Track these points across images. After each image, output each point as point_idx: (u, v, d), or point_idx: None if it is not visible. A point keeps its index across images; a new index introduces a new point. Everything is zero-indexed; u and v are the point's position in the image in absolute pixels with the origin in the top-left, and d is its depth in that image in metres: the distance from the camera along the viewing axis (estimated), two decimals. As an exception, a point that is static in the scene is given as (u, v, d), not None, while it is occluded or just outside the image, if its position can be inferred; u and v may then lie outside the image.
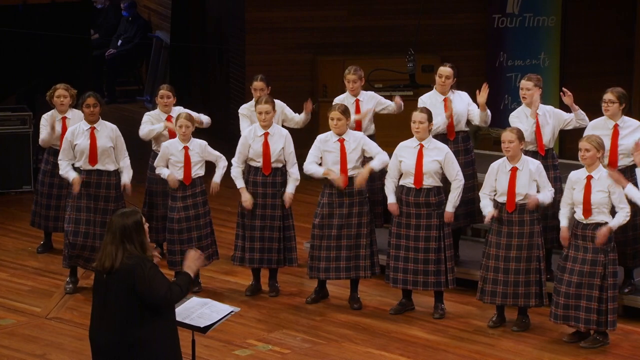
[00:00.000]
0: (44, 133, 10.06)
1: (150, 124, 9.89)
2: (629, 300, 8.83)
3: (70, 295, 9.48)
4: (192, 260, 6.43)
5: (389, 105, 9.74)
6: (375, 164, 8.93)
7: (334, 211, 8.99)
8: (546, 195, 8.50)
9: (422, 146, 8.78)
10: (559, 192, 8.81)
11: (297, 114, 9.91)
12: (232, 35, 13.86)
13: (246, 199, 9.18)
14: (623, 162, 8.67)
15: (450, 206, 8.77)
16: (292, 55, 12.99)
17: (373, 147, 9.01)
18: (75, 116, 9.97)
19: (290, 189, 9.22)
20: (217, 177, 9.37)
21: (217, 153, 9.40)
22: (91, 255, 9.13)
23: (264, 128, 9.21)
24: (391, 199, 8.87)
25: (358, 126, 9.50)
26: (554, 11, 13.29)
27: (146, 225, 6.24)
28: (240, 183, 9.23)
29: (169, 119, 9.89)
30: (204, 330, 6.76)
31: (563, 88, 9.18)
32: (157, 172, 9.41)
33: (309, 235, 9.28)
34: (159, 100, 9.96)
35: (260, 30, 13.07)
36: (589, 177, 8.21)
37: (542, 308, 8.77)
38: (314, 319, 8.98)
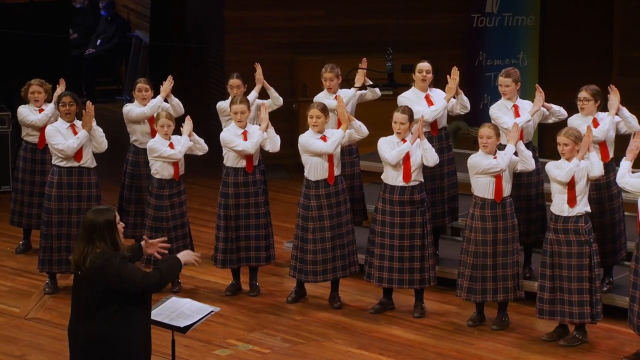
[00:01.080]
0: (35, 115, 10.01)
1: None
2: (608, 299, 8.87)
3: (50, 296, 9.44)
4: (186, 253, 6.43)
5: (367, 93, 9.76)
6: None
7: (323, 213, 8.99)
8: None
9: (405, 142, 8.78)
10: (539, 185, 8.84)
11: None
12: (211, 34, 13.85)
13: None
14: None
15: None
16: (271, 54, 12.98)
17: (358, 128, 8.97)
18: (50, 109, 9.97)
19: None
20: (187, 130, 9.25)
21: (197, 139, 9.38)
22: (68, 256, 9.09)
23: (240, 128, 9.21)
24: (394, 147, 8.75)
25: (339, 123, 9.49)
26: (533, 11, 13.34)
27: (120, 225, 6.23)
28: (264, 125, 9.13)
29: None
30: (184, 330, 6.75)
31: (537, 85, 9.23)
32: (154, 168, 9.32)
33: (288, 235, 9.28)
34: (137, 93, 9.93)
35: (240, 30, 13.06)
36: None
37: (521, 307, 8.80)
38: (294, 319, 8.98)
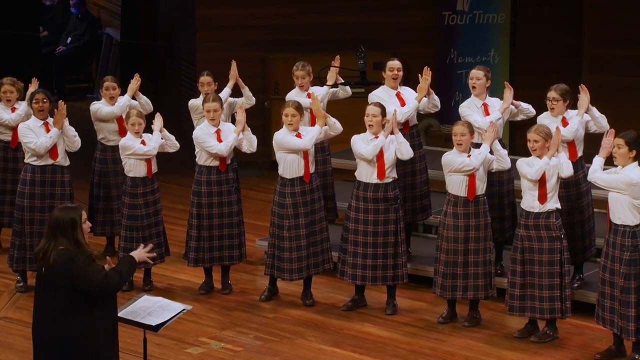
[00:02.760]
0: (8, 114, 9.91)
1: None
2: (579, 295, 8.92)
3: (21, 295, 9.39)
4: (140, 252, 6.43)
5: (338, 91, 9.76)
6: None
7: (299, 211, 8.98)
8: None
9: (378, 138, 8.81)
10: (510, 183, 8.87)
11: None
12: (182, 32, 13.81)
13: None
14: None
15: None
16: (243, 52, 12.96)
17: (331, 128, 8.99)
18: (23, 108, 9.91)
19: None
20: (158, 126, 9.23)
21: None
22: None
23: (214, 126, 9.19)
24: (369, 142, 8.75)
25: (312, 121, 9.50)
26: (504, 8, 13.40)
27: (87, 225, 6.21)
28: (239, 128, 9.08)
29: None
30: (156, 328, 6.74)
31: (506, 82, 9.27)
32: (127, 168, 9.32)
33: (260, 233, 9.28)
34: (104, 92, 9.90)
35: (211, 28, 13.03)
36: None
37: (493, 304, 8.84)
38: (266, 316, 8.97)
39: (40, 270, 6.18)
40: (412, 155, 8.86)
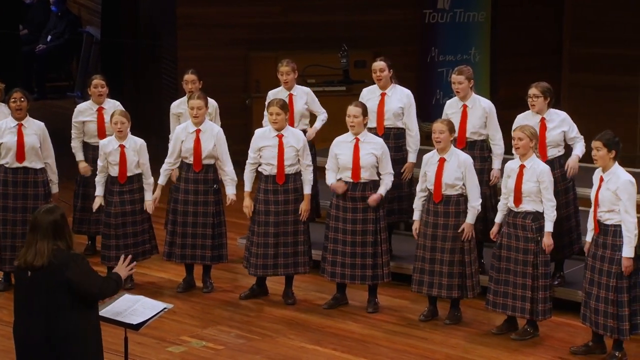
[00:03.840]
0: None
1: (79, 141, 9.86)
2: (560, 293, 8.95)
3: (0, 294, 9.35)
4: (122, 267, 6.46)
5: (320, 115, 9.71)
6: (383, 190, 8.85)
7: (269, 208, 8.98)
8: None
9: (357, 140, 8.82)
10: (484, 185, 8.90)
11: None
12: (164, 30, 13.78)
13: (156, 196, 9.18)
14: (551, 152, 8.80)
15: (382, 189, 8.81)
16: (225, 51, 12.96)
17: (305, 157, 8.98)
18: (2, 110, 9.86)
19: (230, 190, 9.18)
20: (147, 196, 9.27)
21: (147, 163, 9.28)
22: (13, 255, 9.00)
23: (195, 125, 9.18)
24: (332, 179, 8.84)
25: (291, 120, 9.49)
26: (484, 7, 13.43)
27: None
28: (162, 180, 9.18)
29: (100, 110, 9.84)
30: (137, 327, 6.72)
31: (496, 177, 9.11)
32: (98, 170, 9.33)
33: (242, 231, 9.28)
34: (93, 90, 9.88)
35: (193, 26, 13.01)
36: (522, 167, 8.32)
37: (474, 301, 8.86)
38: (248, 315, 8.97)
39: (25, 273, 6.13)
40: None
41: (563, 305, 8.85)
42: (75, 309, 6.10)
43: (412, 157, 9.36)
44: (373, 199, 8.75)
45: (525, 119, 8.78)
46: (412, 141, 9.35)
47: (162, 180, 9.23)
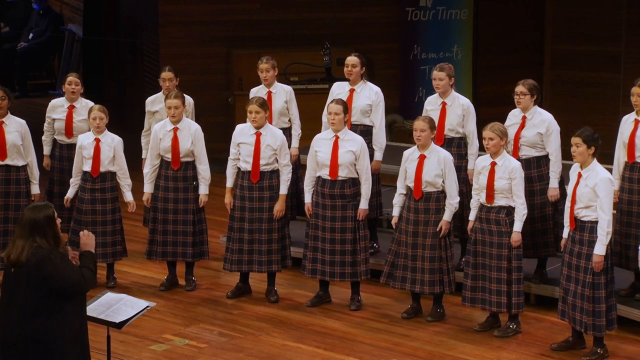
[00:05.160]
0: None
1: (49, 134, 9.90)
2: (540, 289, 8.99)
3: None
4: (86, 238, 6.35)
5: (293, 118, 9.67)
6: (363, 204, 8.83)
7: (245, 204, 8.98)
8: (448, 207, 8.58)
9: (337, 137, 8.83)
10: (461, 182, 8.93)
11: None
12: (145, 28, 13.76)
13: (145, 198, 9.17)
14: (526, 152, 8.80)
15: (363, 202, 8.83)
16: (207, 48, 12.95)
17: (283, 156, 8.96)
18: None
19: (202, 190, 9.18)
20: (128, 196, 9.26)
21: (123, 162, 9.26)
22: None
23: (173, 123, 9.17)
24: (307, 198, 8.90)
25: (270, 119, 9.48)
26: (466, 4, 13.46)
27: (58, 220, 6.20)
28: (148, 187, 9.17)
29: (71, 108, 9.80)
30: (119, 325, 6.71)
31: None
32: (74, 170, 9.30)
33: (224, 229, 9.27)
34: (67, 87, 9.86)
35: (174, 24, 13.00)
36: (493, 164, 8.35)
37: (458, 298, 8.87)
38: (230, 313, 8.97)
39: (9, 270, 6.12)
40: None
41: (545, 301, 8.88)
42: (53, 308, 6.06)
43: (378, 156, 9.34)
44: (360, 216, 8.78)
45: (513, 116, 8.82)
46: (378, 139, 9.35)
47: (149, 189, 9.20)
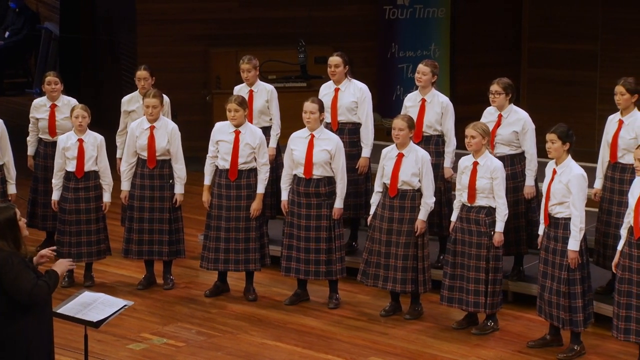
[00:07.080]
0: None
1: (33, 134, 9.89)
2: (517, 287, 9.02)
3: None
4: (60, 263, 6.33)
5: (274, 117, 9.66)
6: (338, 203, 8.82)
7: (222, 202, 8.98)
8: (424, 205, 8.59)
9: (312, 136, 8.83)
10: (439, 180, 8.94)
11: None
12: (123, 26, 13.71)
13: (123, 195, 9.15)
14: (500, 150, 8.83)
15: (339, 201, 8.83)
16: (184, 46, 12.92)
17: (262, 155, 8.94)
18: None
19: (178, 189, 9.17)
20: (106, 197, 9.24)
21: (106, 161, 9.23)
22: None
23: (150, 122, 9.14)
24: (284, 196, 8.90)
25: (250, 117, 9.48)
26: (444, 3, 13.49)
27: (22, 221, 6.12)
28: (126, 185, 9.15)
29: (53, 107, 9.78)
30: (97, 324, 6.69)
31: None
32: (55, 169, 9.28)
33: (202, 228, 9.25)
34: (46, 87, 9.85)
35: (152, 22, 12.96)
36: (475, 164, 8.38)
37: (436, 296, 8.90)
38: (209, 312, 8.96)
39: None
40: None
41: (523, 299, 8.90)
42: (14, 311, 5.95)
43: (366, 152, 9.36)
44: (335, 214, 8.77)
45: (489, 114, 8.85)
46: (366, 136, 9.36)
47: (127, 186, 9.18)
